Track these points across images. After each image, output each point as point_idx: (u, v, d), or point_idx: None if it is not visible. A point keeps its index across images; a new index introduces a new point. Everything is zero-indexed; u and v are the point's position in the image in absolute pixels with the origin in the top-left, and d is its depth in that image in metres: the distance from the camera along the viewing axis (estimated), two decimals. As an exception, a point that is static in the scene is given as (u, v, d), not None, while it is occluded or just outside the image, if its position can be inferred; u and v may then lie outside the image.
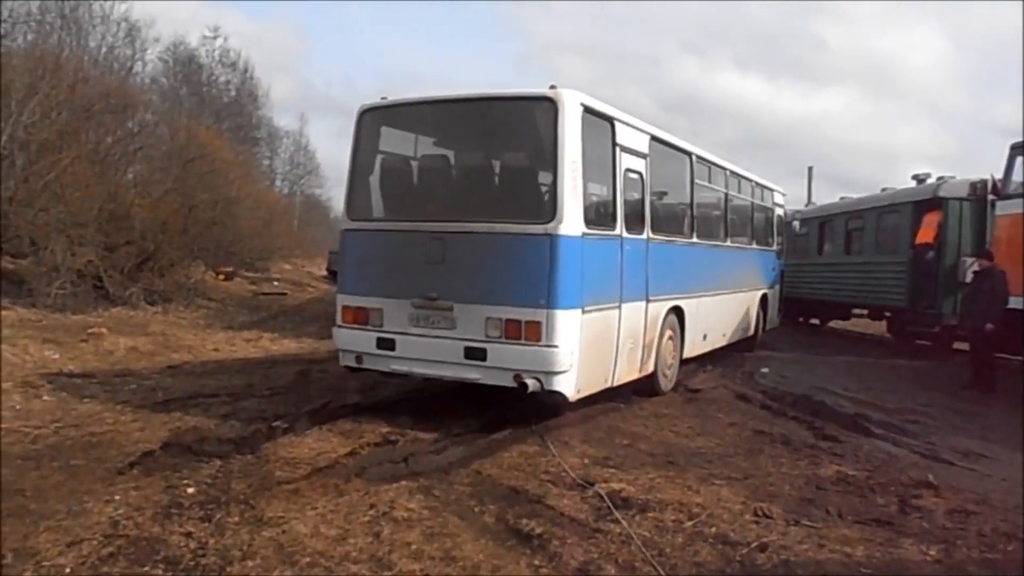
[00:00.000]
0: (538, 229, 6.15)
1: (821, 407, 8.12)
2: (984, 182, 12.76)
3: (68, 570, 3.51)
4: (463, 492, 4.83)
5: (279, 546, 3.83)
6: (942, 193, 13.50)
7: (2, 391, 6.91)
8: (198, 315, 14.97)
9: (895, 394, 9.42)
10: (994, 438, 7.16)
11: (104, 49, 30.75)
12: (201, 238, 17.71)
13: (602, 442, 6.28)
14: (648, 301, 7.65)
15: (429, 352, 6.53)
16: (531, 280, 6.13)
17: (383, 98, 7.28)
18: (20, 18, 23.67)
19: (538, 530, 4.17)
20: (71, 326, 11.16)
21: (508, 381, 6.23)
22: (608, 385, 7.08)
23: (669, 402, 8.12)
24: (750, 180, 12.01)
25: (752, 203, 12.24)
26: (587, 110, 6.52)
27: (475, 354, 6.30)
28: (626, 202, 7.20)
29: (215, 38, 41.99)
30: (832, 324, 19.55)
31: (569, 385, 6.28)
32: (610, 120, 7.06)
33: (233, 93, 43.15)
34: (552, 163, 6.22)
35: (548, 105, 6.26)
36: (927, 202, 13.93)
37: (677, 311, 8.50)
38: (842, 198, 18.74)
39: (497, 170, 6.99)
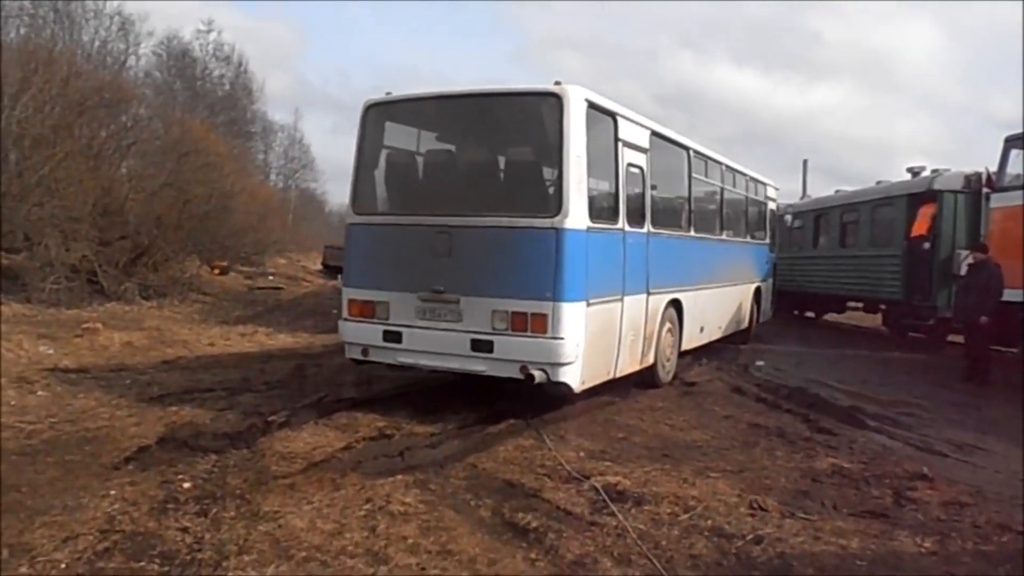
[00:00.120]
0: (544, 223, 6.23)
1: (816, 400, 8.15)
2: (979, 175, 12.81)
3: (64, 565, 3.50)
4: (459, 486, 4.84)
5: (275, 540, 3.83)
6: (937, 186, 13.53)
7: (-3, 387, 6.89)
8: (193, 310, 14.92)
9: (890, 387, 9.44)
10: (989, 430, 7.18)
11: (97, 43, 30.61)
12: (196, 232, 17.66)
13: (598, 435, 6.29)
14: (649, 294, 7.75)
15: (436, 344, 6.59)
16: (537, 273, 6.22)
17: (388, 93, 7.33)
18: (13, 12, 23.55)
19: (534, 524, 4.18)
20: (66, 321, 11.12)
21: (514, 373, 6.30)
22: (611, 377, 7.15)
23: (665, 395, 8.14)
24: (744, 174, 12.14)
25: (746, 197, 12.38)
26: (591, 106, 6.61)
27: (482, 346, 6.38)
28: (628, 196, 7.30)
29: (209, 32, 41.81)
30: (827, 317, 19.58)
31: (574, 376, 6.37)
32: (613, 116, 7.14)
33: (227, 87, 42.97)
34: (557, 158, 6.30)
35: (554, 101, 6.34)
36: (922, 195, 13.96)
37: (676, 304, 8.60)
38: (837, 191, 18.75)
39: (502, 165, 7.04)
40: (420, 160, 7.47)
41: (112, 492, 4.41)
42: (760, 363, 10.69)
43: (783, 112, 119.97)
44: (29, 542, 3.69)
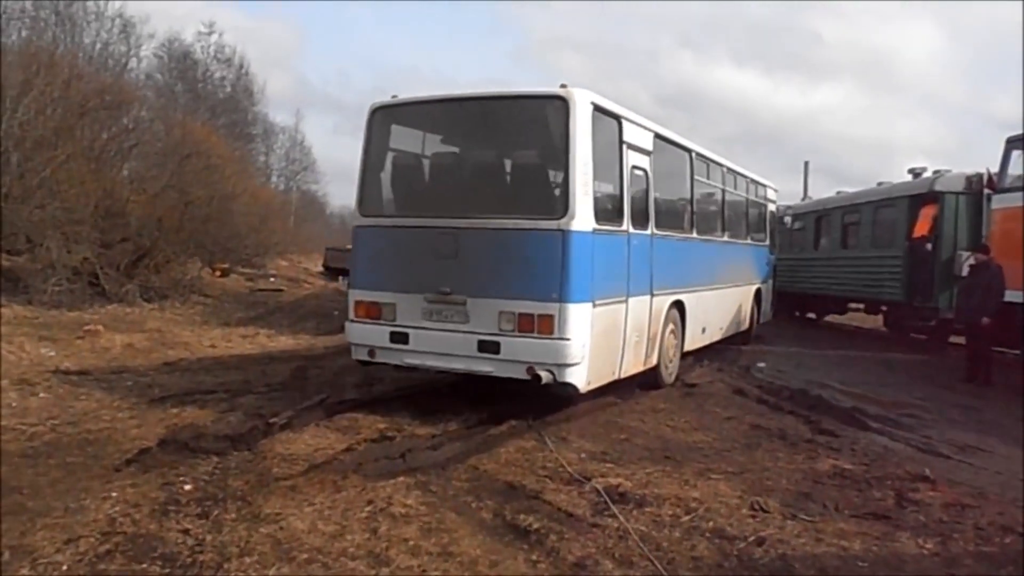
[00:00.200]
0: (551, 225, 6.28)
1: (818, 401, 8.14)
2: (980, 176, 12.79)
3: (65, 567, 3.50)
4: (460, 488, 4.84)
5: (276, 542, 3.83)
6: (938, 187, 13.52)
7: (-2, 389, 6.90)
8: (194, 312, 14.93)
9: (892, 388, 9.44)
10: (990, 432, 7.17)
11: (99, 46, 30.63)
12: (197, 234, 17.67)
13: (599, 437, 6.29)
14: (652, 295, 7.80)
15: (442, 345, 6.62)
16: (544, 274, 6.26)
17: (394, 96, 7.38)
18: (15, 15, 23.60)
19: (535, 525, 4.18)
20: (67, 323, 11.13)
21: (521, 373, 6.34)
22: (615, 377, 7.19)
23: (666, 396, 8.13)
24: (744, 176, 12.20)
25: (746, 198, 12.44)
26: (597, 108, 6.65)
27: (488, 347, 6.42)
28: (632, 198, 7.34)
29: (210, 34, 41.86)
30: (828, 318, 19.57)
31: (581, 377, 6.42)
32: (617, 118, 7.18)
33: (228, 89, 43.00)
34: (564, 160, 6.35)
35: (560, 104, 6.39)
36: (923, 196, 13.95)
37: (679, 305, 8.65)
38: (839, 192, 18.75)
39: (509, 167, 7.09)
40: (426, 162, 7.52)
41: (113, 494, 4.41)
42: (761, 364, 10.68)
43: (784, 112, 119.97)
44: (30, 544, 3.69)
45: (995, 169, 11.18)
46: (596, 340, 6.52)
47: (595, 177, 6.53)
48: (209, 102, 39.25)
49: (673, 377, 8.78)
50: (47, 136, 13.78)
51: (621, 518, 4.32)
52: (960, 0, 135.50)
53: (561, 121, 6.36)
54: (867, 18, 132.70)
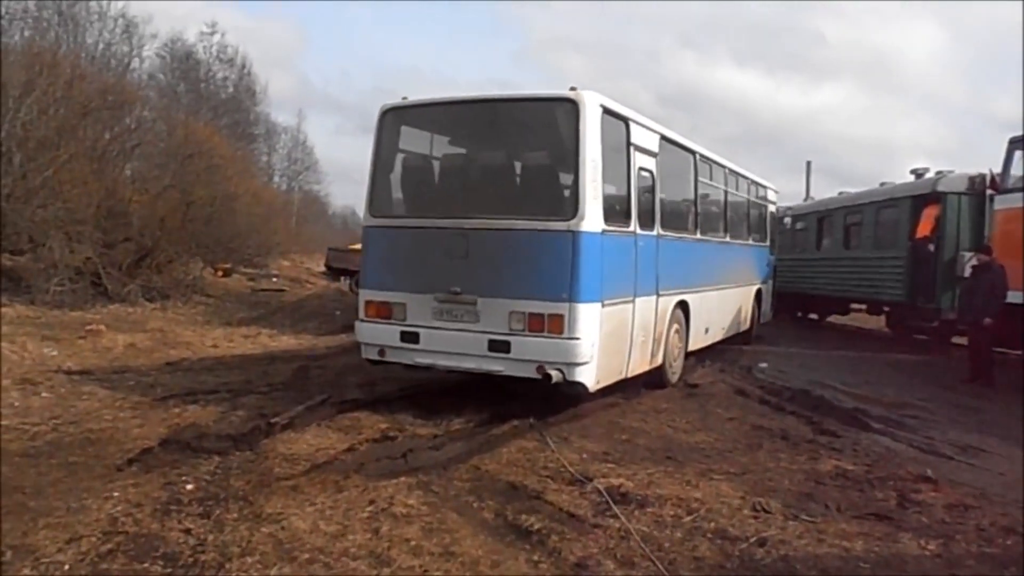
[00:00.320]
0: (561, 226, 6.35)
1: (820, 402, 8.13)
2: (983, 176, 12.76)
3: (67, 567, 3.51)
4: (462, 488, 4.84)
5: (278, 542, 3.83)
6: (941, 187, 13.50)
7: (1, 388, 6.90)
8: (196, 311, 14.96)
9: (894, 388, 9.42)
10: (993, 432, 7.16)
11: (101, 46, 30.68)
12: (199, 234, 17.71)
13: (601, 437, 6.28)
14: (658, 296, 7.87)
15: (453, 345, 6.68)
16: (554, 275, 6.33)
17: (404, 98, 7.44)
18: (17, 15, 23.63)
19: (537, 526, 4.18)
20: (69, 323, 11.15)
21: (531, 373, 6.40)
22: (623, 376, 7.26)
23: (668, 397, 8.13)
24: (746, 177, 12.29)
25: (748, 200, 12.53)
26: (606, 111, 6.72)
27: (499, 346, 6.48)
28: (639, 200, 7.42)
29: (212, 34, 41.96)
30: (831, 319, 19.55)
31: (590, 376, 6.48)
32: (625, 120, 7.25)
33: (231, 89, 43.07)
34: (573, 162, 6.42)
35: (570, 106, 6.46)
36: (926, 196, 13.93)
37: (683, 305, 8.73)
38: (841, 193, 18.73)
39: (519, 168, 7.16)
40: (436, 164, 7.59)
41: (115, 494, 4.41)
42: (763, 365, 10.67)
43: (785, 113, 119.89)
44: (32, 543, 3.70)
45: (998, 170, 11.16)
46: (605, 340, 6.59)
47: (603, 179, 6.59)
48: (211, 102, 39.33)
49: (677, 376, 8.85)
50: (50, 136, 13.81)
51: (623, 518, 4.31)
52: (962, 0, 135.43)
53: (571, 123, 6.43)
54: (869, 18, 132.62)
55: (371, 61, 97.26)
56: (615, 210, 6.97)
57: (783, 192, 14.96)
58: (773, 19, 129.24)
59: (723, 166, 10.88)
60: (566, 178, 6.64)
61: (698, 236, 9.49)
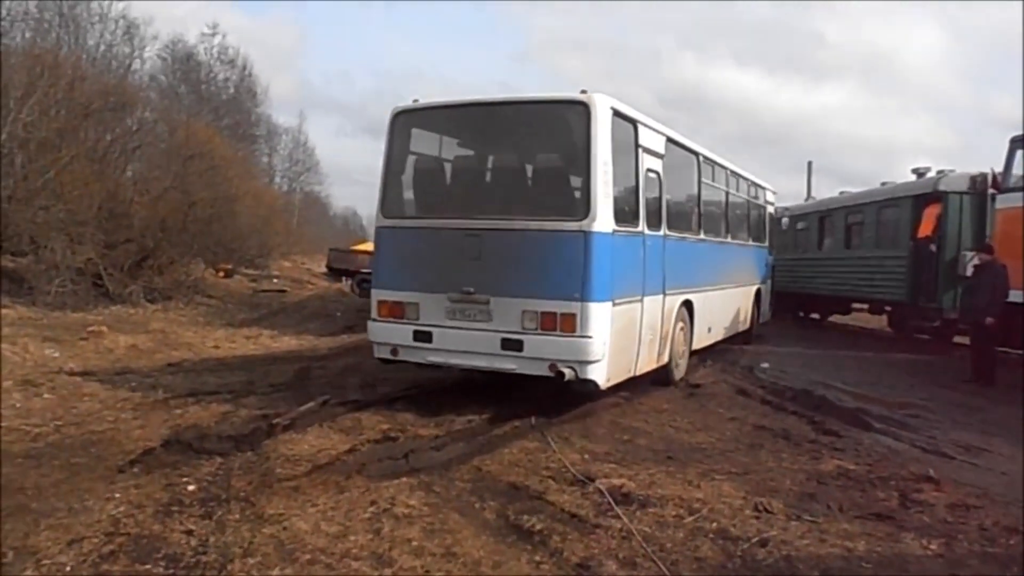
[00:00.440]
0: (573, 226, 6.43)
1: (821, 401, 8.12)
2: (984, 176, 12.74)
3: (69, 568, 3.51)
4: (463, 488, 4.83)
5: (280, 543, 3.83)
6: (942, 187, 13.48)
7: (2, 389, 6.91)
8: (198, 312, 14.96)
9: (895, 388, 9.41)
10: (995, 432, 7.14)
11: (102, 47, 30.72)
12: (200, 235, 17.72)
13: (602, 438, 6.28)
14: (665, 295, 7.95)
15: (466, 344, 6.73)
16: (566, 274, 6.41)
17: (415, 101, 7.49)
18: (18, 16, 23.65)
19: (539, 526, 4.17)
20: (71, 324, 11.16)
21: (543, 371, 6.48)
22: (631, 375, 7.33)
23: (669, 397, 8.13)
24: (746, 179, 12.41)
25: (748, 201, 12.64)
26: (616, 113, 6.80)
27: (512, 345, 6.54)
28: (647, 200, 7.49)
29: (213, 35, 42.04)
30: (832, 319, 19.53)
31: (601, 374, 6.55)
32: (634, 122, 7.33)
33: (232, 90, 43.14)
34: (585, 164, 6.50)
35: (581, 109, 6.54)
36: (927, 196, 13.91)
37: (688, 304, 8.82)
38: (842, 192, 18.72)
39: (530, 170, 7.22)
40: (448, 165, 7.64)
41: (117, 495, 4.41)
42: (765, 365, 10.66)
43: (786, 113, 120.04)
44: (34, 544, 3.70)
45: (999, 169, 11.15)
46: (615, 338, 6.67)
47: (613, 180, 6.65)
48: (212, 103, 39.40)
49: (682, 374, 8.95)
50: (51, 138, 13.84)
51: (624, 519, 4.31)
52: (962, 0, 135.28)
53: (582, 125, 6.51)
54: (870, 19, 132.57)
55: (372, 62, 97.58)
56: (624, 211, 7.03)
57: (785, 192, 15.03)
58: (774, 20, 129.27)
59: (724, 167, 10.97)
60: (577, 179, 6.71)
61: (701, 236, 9.58)
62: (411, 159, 7.57)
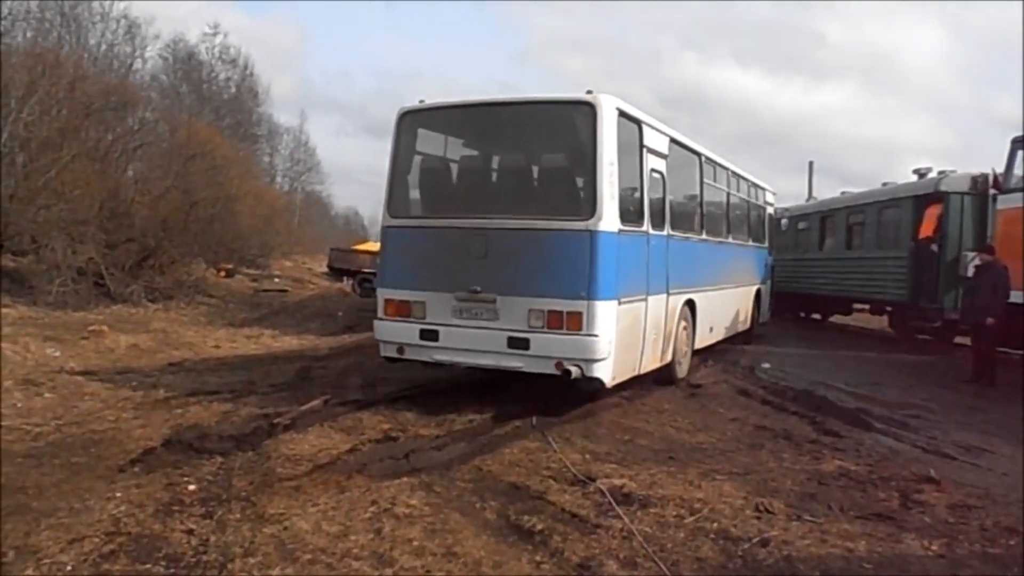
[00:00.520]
0: (579, 225, 6.47)
1: (822, 402, 8.12)
2: (985, 176, 12.72)
3: (69, 567, 3.51)
4: (464, 488, 4.83)
5: (280, 543, 3.83)
6: (943, 187, 13.47)
7: (3, 389, 6.92)
8: (199, 312, 14.97)
9: (896, 389, 9.41)
10: (995, 433, 7.14)
11: (104, 47, 30.80)
12: (202, 235, 17.74)
13: (603, 438, 6.28)
14: (668, 294, 7.99)
15: (472, 342, 6.76)
16: (572, 273, 6.45)
17: (421, 101, 7.51)
18: (20, 16, 23.67)
19: (539, 526, 4.17)
20: (72, 324, 11.16)
21: (550, 369, 6.52)
22: (636, 373, 7.37)
23: (670, 397, 8.12)
24: (747, 179, 12.46)
25: (748, 201, 12.69)
26: (621, 113, 6.84)
27: (518, 343, 6.58)
28: (651, 200, 7.53)
29: (215, 35, 42.07)
30: (833, 319, 19.52)
31: (607, 372, 6.59)
32: (638, 123, 7.37)
33: (233, 90, 43.16)
34: (591, 163, 6.54)
35: (587, 109, 6.58)
36: (928, 196, 13.90)
37: (690, 304, 8.86)
38: (843, 192, 18.70)
39: (537, 170, 7.26)
40: (454, 165, 7.68)
41: (118, 494, 4.42)
42: (766, 365, 10.66)
43: (787, 113, 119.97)
44: (35, 544, 3.70)
45: (1000, 169, 11.14)
46: (620, 337, 6.70)
47: (619, 180, 6.67)
48: (214, 103, 39.43)
49: (685, 373, 8.99)
50: (52, 137, 13.85)
51: (625, 519, 4.31)
52: (963, 0, 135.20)
53: (589, 126, 6.55)
54: (870, 19, 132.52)
55: (372, 62, 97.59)
56: (629, 210, 7.06)
57: (785, 192, 15.06)
58: (775, 20, 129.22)
59: (725, 168, 11.01)
60: (583, 179, 6.75)
61: (704, 236, 9.63)
62: (417, 159, 7.60)
